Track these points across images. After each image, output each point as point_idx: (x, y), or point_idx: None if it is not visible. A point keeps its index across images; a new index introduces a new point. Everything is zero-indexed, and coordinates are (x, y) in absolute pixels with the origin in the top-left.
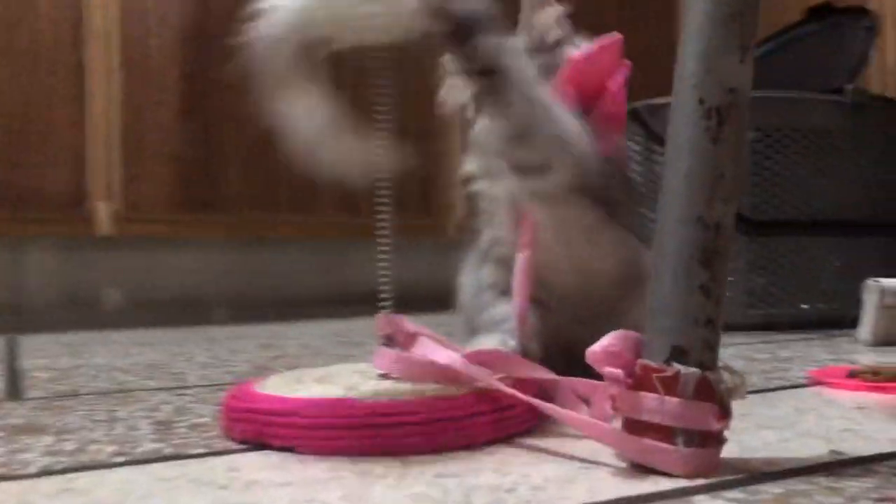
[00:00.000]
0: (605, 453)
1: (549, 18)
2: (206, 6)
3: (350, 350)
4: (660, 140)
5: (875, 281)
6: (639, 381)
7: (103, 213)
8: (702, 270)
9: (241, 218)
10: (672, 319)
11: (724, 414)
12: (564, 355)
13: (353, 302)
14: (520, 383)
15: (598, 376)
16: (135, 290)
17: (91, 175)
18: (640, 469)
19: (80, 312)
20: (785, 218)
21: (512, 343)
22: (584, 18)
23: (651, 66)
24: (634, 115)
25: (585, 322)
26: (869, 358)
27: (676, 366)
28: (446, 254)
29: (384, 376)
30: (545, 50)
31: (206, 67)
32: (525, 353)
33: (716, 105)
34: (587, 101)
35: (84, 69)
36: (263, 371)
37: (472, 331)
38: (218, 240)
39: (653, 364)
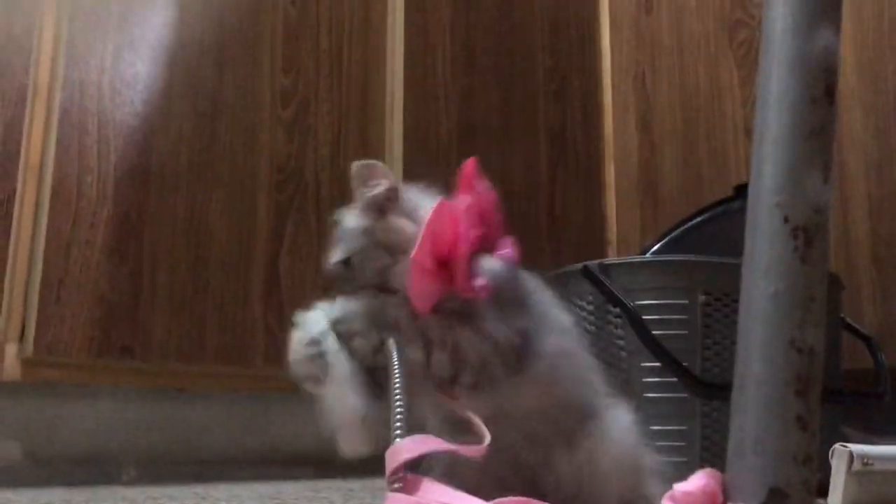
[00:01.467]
0: None
1: (378, 188)
2: (149, 145)
3: None
4: (615, 300)
5: (843, 446)
6: None
7: (12, 356)
8: (797, 400)
9: (163, 367)
10: (767, 457)
11: None
12: (520, 480)
13: (276, 464)
14: None
15: None
16: (35, 444)
17: (6, 315)
18: None
19: None
20: None
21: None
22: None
23: (584, 232)
24: (587, 275)
25: (539, 443)
26: None
27: None
28: None
29: None
30: (378, 213)
31: (142, 208)
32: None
33: (802, 224)
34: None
35: (13, 202)
36: None
37: None
38: (135, 389)
39: None
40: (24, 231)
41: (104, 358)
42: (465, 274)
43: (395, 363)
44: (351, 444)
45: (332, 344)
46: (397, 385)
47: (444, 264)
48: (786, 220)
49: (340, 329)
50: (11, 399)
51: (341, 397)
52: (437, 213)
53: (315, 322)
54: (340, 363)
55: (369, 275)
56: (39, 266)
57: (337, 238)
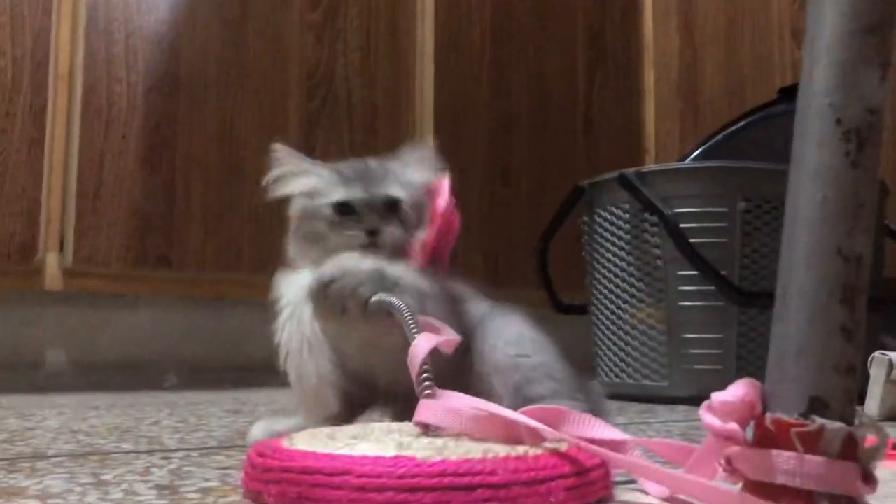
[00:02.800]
0: None
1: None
2: (177, 54)
3: None
4: (652, 208)
5: (882, 354)
6: (769, 438)
7: (53, 266)
8: (842, 309)
9: (200, 276)
10: (809, 366)
11: (869, 477)
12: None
13: None
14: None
15: None
16: (79, 351)
17: (45, 225)
18: None
19: (18, 373)
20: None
21: None
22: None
23: (622, 139)
24: (624, 183)
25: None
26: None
27: (819, 420)
28: None
29: (426, 433)
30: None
31: (172, 118)
32: None
33: (855, 126)
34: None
35: (45, 112)
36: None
37: None
38: (173, 298)
39: (790, 418)
40: (57, 141)
41: (142, 268)
42: (448, 258)
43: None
44: (317, 410)
45: (306, 311)
46: (404, 307)
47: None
48: (838, 122)
49: (346, 283)
50: (56, 308)
51: (311, 365)
52: (448, 211)
53: (294, 286)
54: (313, 331)
55: (409, 225)
56: (74, 177)
57: (391, 176)
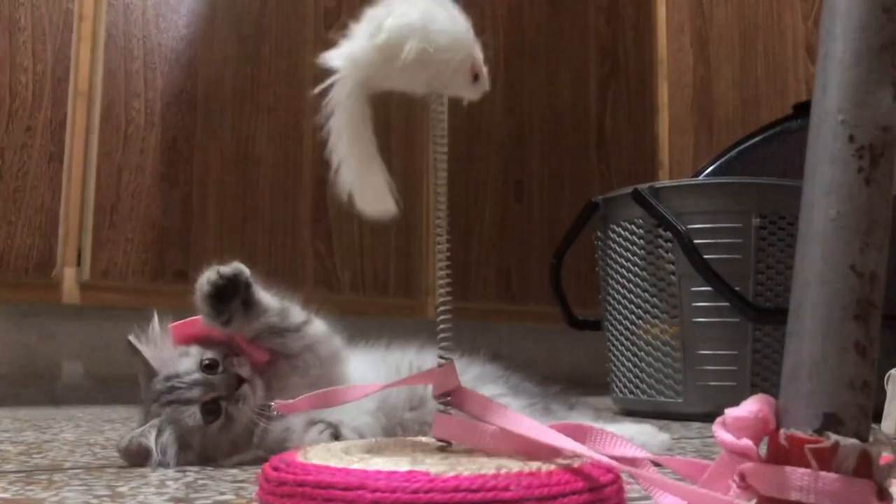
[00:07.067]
0: None
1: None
2: (194, 70)
3: None
4: (666, 223)
5: None
6: (782, 454)
7: (71, 280)
8: (856, 326)
9: None
10: (823, 383)
11: (884, 495)
12: None
13: None
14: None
15: None
16: (96, 364)
17: (62, 239)
18: None
19: (35, 386)
20: None
21: None
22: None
23: (635, 155)
24: (637, 198)
25: None
26: None
27: (834, 437)
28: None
29: (444, 448)
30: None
31: (189, 134)
32: None
33: (868, 143)
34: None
35: (64, 128)
36: None
37: None
38: (190, 313)
39: (804, 434)
40: (76, 156)
41: (158, 282)
42: None
43: None
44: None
45: None
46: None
47: None
48: (851, 139)
49: None
50: (73, 322)
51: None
52: None
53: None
54: None
55: None
56: (92, 191)
57: None
